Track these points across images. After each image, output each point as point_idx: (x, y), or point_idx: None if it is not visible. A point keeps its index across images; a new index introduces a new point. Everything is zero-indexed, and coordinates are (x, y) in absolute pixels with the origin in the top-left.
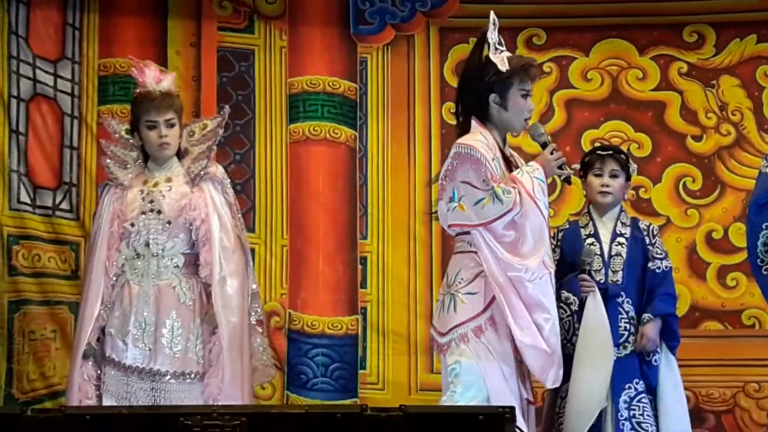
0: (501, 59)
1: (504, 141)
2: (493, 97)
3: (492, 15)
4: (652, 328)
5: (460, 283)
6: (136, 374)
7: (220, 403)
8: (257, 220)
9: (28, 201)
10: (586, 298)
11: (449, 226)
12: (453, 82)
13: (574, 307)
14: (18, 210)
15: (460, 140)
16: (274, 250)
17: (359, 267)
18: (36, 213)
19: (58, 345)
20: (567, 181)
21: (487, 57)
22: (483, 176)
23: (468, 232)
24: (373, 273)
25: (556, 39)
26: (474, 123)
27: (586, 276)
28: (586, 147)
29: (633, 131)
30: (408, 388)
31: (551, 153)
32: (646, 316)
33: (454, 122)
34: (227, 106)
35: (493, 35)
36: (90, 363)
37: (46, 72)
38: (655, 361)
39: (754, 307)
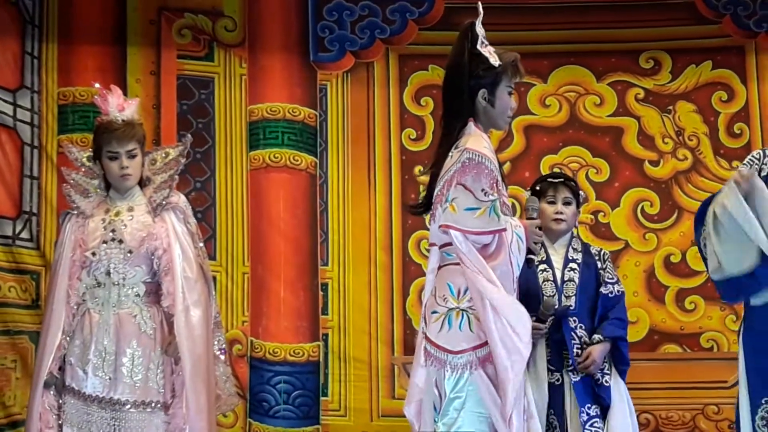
0: (489, 52)
1: None
2: (482, 92)
3: (479, 6)
4: (598, 350)
5: (471, 300)
6: (96, 403)
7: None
8: (218, 247)
9: None
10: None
11: (440, 227)
12: (413, 108)
13: (544, 331)
14: None
15: (469, 145)
16: (236, 277)
17: (320, 293)
18: None
19: (19, 375)
20: (529, 262)
21: (476, 50)
22: (486, 186)
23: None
24: (334, 299)
25: None
26: (471, 125)
27: (539, 325)
28: (545, 172)
29: (591, 156)
30: (370, 415)
31: (538, 228)
32: (596, 337)
33: (414, 149)
34: (189, 135)
35: (480, 28)
36: (51, 392)
37: (6, 101)
38: (606, 381)
39: (712, 330)
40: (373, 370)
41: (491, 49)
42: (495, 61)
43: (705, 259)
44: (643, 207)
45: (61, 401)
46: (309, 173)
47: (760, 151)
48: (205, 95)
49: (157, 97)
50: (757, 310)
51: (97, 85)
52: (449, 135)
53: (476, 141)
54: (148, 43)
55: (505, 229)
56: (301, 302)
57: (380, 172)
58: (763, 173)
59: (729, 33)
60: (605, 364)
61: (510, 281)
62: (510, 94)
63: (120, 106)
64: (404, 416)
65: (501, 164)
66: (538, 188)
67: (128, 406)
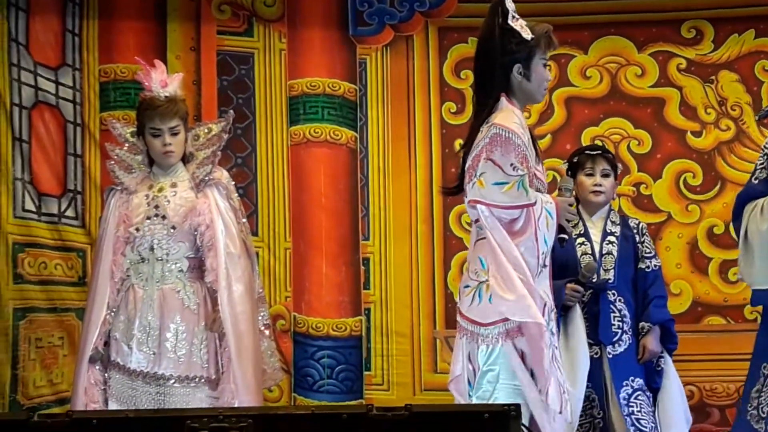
0: (522, 27)
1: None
2: (517, 67)
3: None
4: (652, 340)
5: None
6: (140, 378)
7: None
8: (260, 223)
9: (33, 209)
10: (569, 307)
11: (468, 202)
12: (452, 81)
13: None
14: (23, 218)
15: (497, 121)
16: (278, 253)
17: (362, 268)
18: (41, 220)
19: (66, 351)
20: (561, 240)
21: (508, 25)
22: (515, 161)
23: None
24: (375, 274)
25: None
26: (504, 100)
27: (578, 287)
28: (586, 144)
29: (633, 128)
30: (412, 389)
31: (569, 205)
32: (645, 325)
33: (454, 122)
34: (231, 111)
35: (510, 3)
36: (96, 367)
37: (48, 79)
38: (659, 366)
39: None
40: (415, 344)
41: (522, 22)
42: (527, 34)
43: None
44: (685, 178)
45: (106, 376)
46: (349, 148)
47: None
48: (245, 71)
49: (197, 73)
50: None
51: (140, 61)
52: (481, 112)
53: (506, 116)
54: (187, 19)
55: (533, 204)
56: (342, 277)
57: (420, 146)
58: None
59: None
60: None
61: (535, 257)
62: (545, 66)
63: (163, 81)
64: (447, 390)
65: (535, 139)
66: (575, 160)
67: (172, 380)
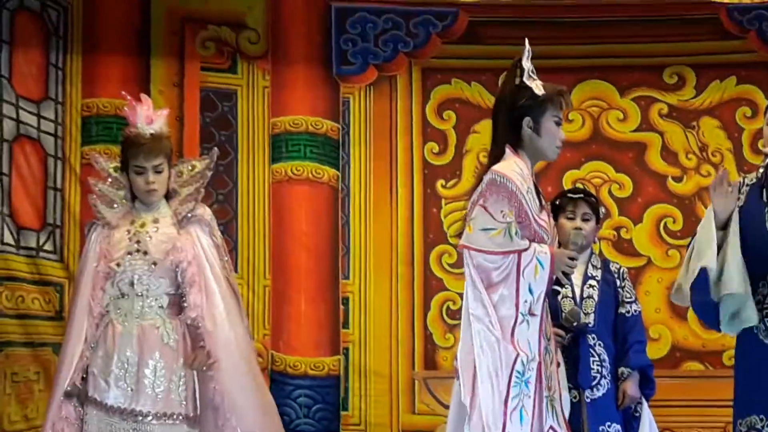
0: (536, 85)
1: (532, 170)
2: (527, 120)
3: (526, 42)
4: (631, 386)
5: None
6: (117, 415)
7: None
8: (240, 260)
9: (12, 242)
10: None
11: (457, 247)
12: (435, 122)
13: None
14: (2, 251)
15: (495, 167)
16: (257, 290)
17: (341, 307)
18: (20, 254)
19: (42, 386)
20: (555, 293)
21: (522, 82)
22: (506, 208)
23: None
24: (355, 313)
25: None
26: (508, 151)
27: (560, 331)
28: (568, 187)
29: (614, 172)
30: (390, 429)
31: (570, 259)
32: (624, 370)
33: (436, 162)
34: (215, 148)
35: (527, 63)
36: (72, 403)
37: (30, 112)
38: (637, 411)
39: (734, 347)
40: (393, 384)
41: (539, 82)
42: (539, 91)
43: None
44: (666, 223)
45: (83, 412)
46: (331, 186)
47: (737, 181)
48: (228, 107)
49: (180, 109)
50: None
51: (126, 96)
52: (489, 164)
53: (506, 165)
54: (171, 55)
55: (521, 251)
56: (321, 316)
57: (402, 186)
58: (740, 203)
59: (754, 48)
60: None
61: (513, 306)
62: (557, 124)
63: (149, 118)
64: (424, 431)
65: (539, 190)
66: (557, 203)
67: (150, 417)
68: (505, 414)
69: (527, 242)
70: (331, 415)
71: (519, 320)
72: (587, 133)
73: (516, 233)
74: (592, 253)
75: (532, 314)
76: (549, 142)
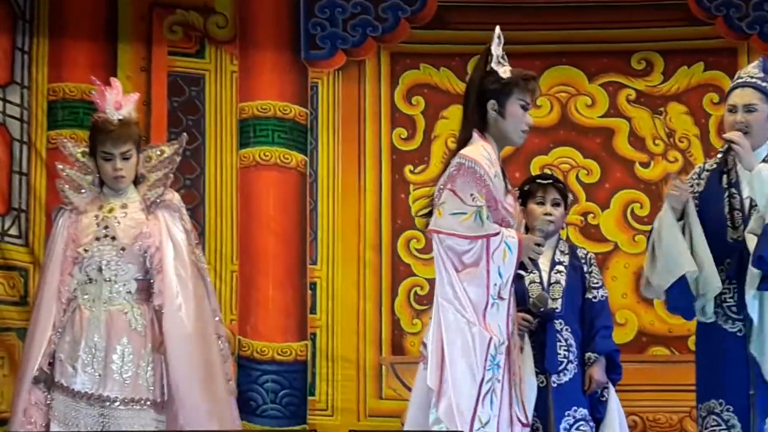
0: (504, 70)
1: (499, 154)
2: (491, 103)
3: (497, 30)
4: (598, 370)
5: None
6: (84, 400)
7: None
8: (207, 245)
9: None
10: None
11: (427, 232)
12: (404, 107)
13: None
14: None
15: (463, 151)
16: (224, 275)
17: (309, 292)
18: None
19: (6, 372)
20: (519, 277)
21: (491, 67)
22: (476, 192)
23: None
24: (322, 298)
25: None
26: (476, 135)
27: (527, 317)
28: (535, 172)
29: (582, 157)
30: (357, 414)
31: (537, 245)
32: (591, 355)
33: (405, 148)
34: (184, 134)
35: (497, 49)
36: (40, 389)
37: None
38: (603, 396)
39: None
40: (360, 369)
41: (508, 68)
42: (506, 75)
43: None
44: (633, 209)
45: (49, 397)
46: (299, 172)
47: (698, 167)
48: (196, 92)
49: (147, 94)
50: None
51: (95, 81)
52: (457, 149)
53: (473, 149)
54: (139, 39)
55: (491, 235)
56: (289, 301)
57: (370, 172)
58: (699, 188)
59: (721, 34)
60: None
61: (483, 288)
62: (523, 108)
63: (117, 103)
64: (391, 417)
65: (506, 173)
66: (526, 188)
67: (117, 403)
68: (477, 398)
69: (497, 226)
70: (298, 401)
71: (490, 303)
72: (555, 119)
73: (487, 217)
74: (559, 238)
75: (501, 298)
76: (514, 126)
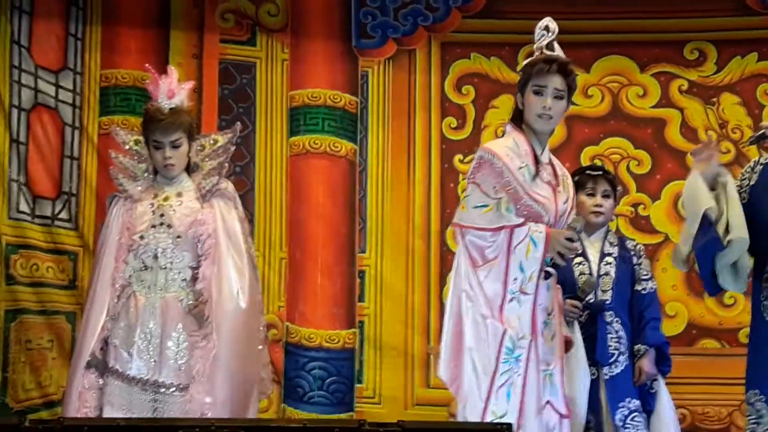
0: (530, 60)
1: (543, 145)
2: (517, 96)
3: (546, 21)
4: (647, 363)
5: None
6: (139, 385)
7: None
8: (256, 232)
9: (28, 210)
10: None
11: (453, 224)
12: (454, 96)
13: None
14: (17, 219)
15: (486, 144)
16: (273, 262)
17: (357, 281)
18: (35, 222)
19: (55, 355)
20: (546, 275)
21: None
22: (497, 183)
23: None
24: (370, 287)
25: None
26: (508, 127)
27: (577, 303)
28: (586, 163)
29: (633, 148)
30: (404, 403)
31: (568, 240)
32: (641, 347)
33: (454, 137)
34: (238, 123)
35: (541, 41)
36: (92, 373)
37: (48, 82)
38: (653, 388)
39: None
40: (408, 358)
41: (538, 54)
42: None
43: None
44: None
45: (101, 382)
46: (349, 160)
47: (753, 161)
48: (247, 80)
49: (198, 81)
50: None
51: (150, 69)
52: None
53: (499, 141)
54: (191, 27)
55: (514, 226)
56: (337, 289)
57: (420, 161)
58: (751, 182)
59: None
60: None
61: (501, 283)
62: (537, 93)
63: (171, 92)
64: (439, 405)
65: (540, 163)
66: (576, 179)
67: (172, 389)
68: (490, 389)
69: (521, 219)
70: (345, 388)
71: (508, 298)
72: (606, 109)
73: (507, 209)
74: (608, 230)
75: (523, 293)
76: (529, 113)
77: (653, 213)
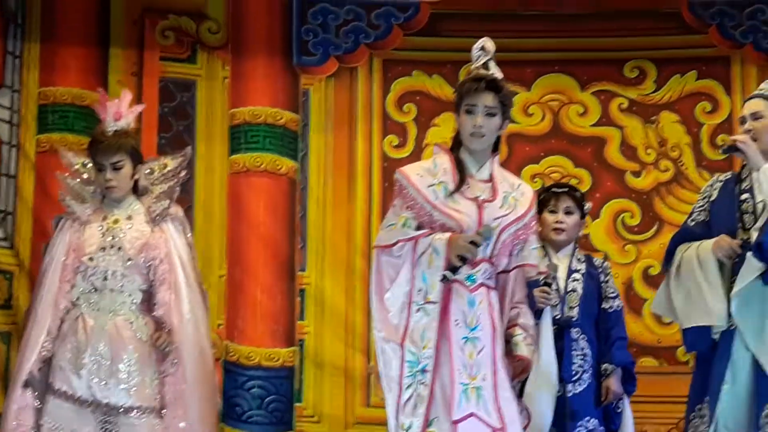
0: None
1: (481, 163)
2: (456, 116)
3: (483, 41)
4: (614, 382)
5: None
6: (89, 407)
7: None
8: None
9: None
10: (542, 309)
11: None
12: (395, 114)
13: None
14: None
15: (403, 167)
16: (211, 280)
17: (297, 299)
18: None
19: None
20: (443, 278)
21: None
22: (404, 203)
23: None
24: (311, 305)
25: None
26: (435, 148)
27: (546, 289)
28: (526, 181)
29: (573, 166)
30: (344, 422)
31: (470, 243)
32: (608, 366)
33: (396, 156)
34: (189, 148)
35: (478, 61)
36: (29, 392)
37: None
38: (619, 407)
39: None
40: (348, 377)
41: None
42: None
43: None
44: (623, 218)
45: (38, 403)
46: (290, 178)
47: (713, 179)
48: (187, 98)
49: (138, 99)
50: None
51: (101, 92)
52: None
53: (418, 162)
54: (130, 44)
55: (416, 237)
56: (277, 307)
57: (361, 179)
58: (711, 198)
59: (715, 43)
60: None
61: (403, 296)
62: (469, 112)
63: (117, 114)
64: (378, 424)
65: (464, 178)
66: (541, 198)
67: (122, 410)
68: (397, 407)
69: (416, 233)
70: (284, 407)
71: (414, 309)
72: (547, 127)
73: (406, 224)
74: (575, 247)
75: (429, 302)
76: (464, 132)
77: (593, 231)
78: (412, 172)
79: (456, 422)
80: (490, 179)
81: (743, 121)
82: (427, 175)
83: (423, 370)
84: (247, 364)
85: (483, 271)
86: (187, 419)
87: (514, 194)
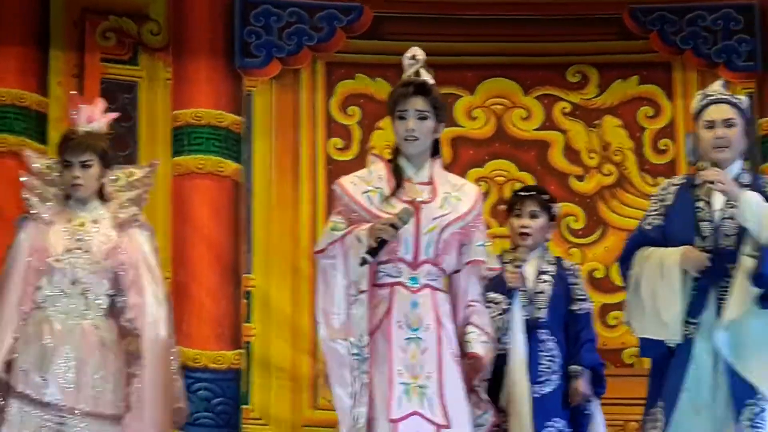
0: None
1: (418, 167)
2: (392, 123)
3: (413, 50)
4: (583, 384)
5: None
6: (54, 412)
7: None
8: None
9: None
10: (513, 291)
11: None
12: (339, 117)
13: (504, 306)
14: None
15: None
16: None
17: (244, 301)
18: None
19: None
20: (362, 261)
21: None
22: (338, 211)
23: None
24: (257, 308)
25: (441, 76)
26: (372, 157)
27: (516, 270)
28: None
29: (517, 170)
30: (292, 425)
31: (387, 225)
32: (576, 368)
33: (340, 158)
34: (158, 161)
35: (410, 69)
36: None
37: None
38: (587, 410)
39: (634, 346)
40: (295, 379)
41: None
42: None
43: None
44: (567, 222)
45: (3, 403)
46: (234, 180)
47: (666, 183)
48: (129, 99)
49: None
50: None
51: (75, 95)
52: None
53: (356, 172)
54: (71, 46)
55: (342, 235)
56: (223, 310)
57: (305, 182)
58: (666, 202)
59: (656, 49)
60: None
61: (340, 293)
62: (401, 118)
63: (90, 117)
64: (326, 427)
65: (400, 183)
66: (508, 202)
67: (86, 416)
68: (354, 401)
69: (349, 228)
70: (231, 409)
71: (351, 301)
72: (491, 131)
73: (336, 228)
74: (545, 249)
75: (361, 291)
76: (398, 138)
77: None
78: (347, 181)
79: (395, 421)
80: (430, 181)
81: (711, 125)
82: (362, 182)
83: (365, 359)
84: (194, 366)
85: (426, 272)
86: (145, 424)
87: (456, 194)
